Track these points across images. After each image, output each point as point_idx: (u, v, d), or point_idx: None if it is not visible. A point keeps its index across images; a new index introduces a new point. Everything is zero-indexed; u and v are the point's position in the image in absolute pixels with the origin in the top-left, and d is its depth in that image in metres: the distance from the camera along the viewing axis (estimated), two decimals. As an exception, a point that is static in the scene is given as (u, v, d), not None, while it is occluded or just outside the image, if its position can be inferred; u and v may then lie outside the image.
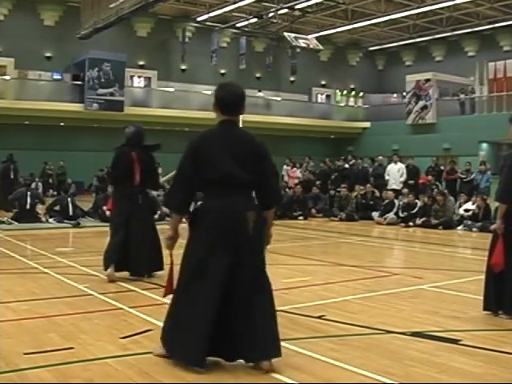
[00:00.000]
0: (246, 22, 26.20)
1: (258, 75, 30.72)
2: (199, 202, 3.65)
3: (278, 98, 29.95)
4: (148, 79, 28.68)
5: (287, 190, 16.80)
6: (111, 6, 19.98)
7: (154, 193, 11.14)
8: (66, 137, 24.69)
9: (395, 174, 15.96)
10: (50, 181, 23.44)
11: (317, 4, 24.60)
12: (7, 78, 24.02)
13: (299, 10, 24.34)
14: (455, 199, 14.17)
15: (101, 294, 5.49)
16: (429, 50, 32.43)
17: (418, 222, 13.38)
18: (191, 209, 3.70)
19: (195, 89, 27.58)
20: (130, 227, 6.22)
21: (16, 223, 12.12)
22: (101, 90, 24.24)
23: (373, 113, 30.91)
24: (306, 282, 6.24)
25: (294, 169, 20.56)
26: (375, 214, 14.43)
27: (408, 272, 7.18)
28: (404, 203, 14.13)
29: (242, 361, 3.50)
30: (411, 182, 15.95)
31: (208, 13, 26.98)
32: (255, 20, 25.64)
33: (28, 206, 12.58)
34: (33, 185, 17.68)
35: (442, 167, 17.95)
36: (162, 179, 9.58)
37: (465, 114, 26.17)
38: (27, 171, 20.59)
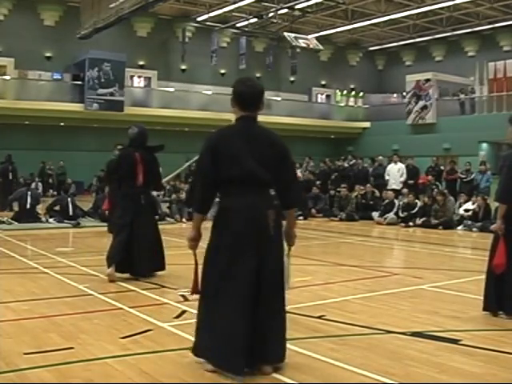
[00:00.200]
0: (245, 22, 26.19)
1: (258, 75, 30.64)
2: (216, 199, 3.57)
3: (278, 98, 29.92)
4: (148, 79, 28.67)
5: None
6: (111, 5, 19.96)
7: (154, 193, 11.13)
8: (66, 137, 24.69)
9: (395, 174, 15.94)
10: (50, 181, 23.45)
11: (317, 4, 24.59)
12: (7, 77, 24.01)
13: (299, 10, 24.32)
14: (455, 199, 14.16)
15: (101, 294, 5.49)
16: (429, 49, 32.42)
17: (418, 221, 13.37)
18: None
19: (195, 89, 27.62)
20: (133, 227, 6.26)
21: (16, 223, 12.13)
22: (101, 90, 24.23)
23: (373, 113, 30.89)
24: (305, 282, 6.22)
25: (294, 169, 20.52)
26: (375, 214, 14.43)
27: (408, 272, 7.18)
28: (404, 203, 14.13)
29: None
30: (411, 182, 15.94)
31: (208, 13, 26.99)
32: (255, 20, 25.63)
33: (28, 206, 12.59)
34: (33, 185, 17.68)
35: (442, 167, 17.92)
36: (163, 180, 9.56)
37: (465, 114, 26.15)
38: (27, 171, 20.62)
